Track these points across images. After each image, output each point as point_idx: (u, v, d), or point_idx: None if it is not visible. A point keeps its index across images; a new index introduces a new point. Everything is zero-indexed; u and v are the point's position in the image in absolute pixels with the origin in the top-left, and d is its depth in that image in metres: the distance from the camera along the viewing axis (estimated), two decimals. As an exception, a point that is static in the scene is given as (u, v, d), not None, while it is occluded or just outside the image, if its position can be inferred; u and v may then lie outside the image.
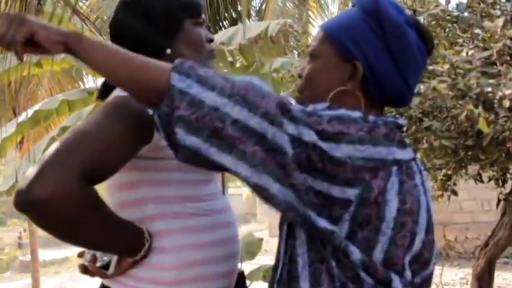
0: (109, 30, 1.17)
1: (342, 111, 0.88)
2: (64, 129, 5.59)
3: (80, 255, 1.09)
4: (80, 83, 7.69)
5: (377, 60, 0.93)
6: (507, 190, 2.84)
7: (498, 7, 2.14)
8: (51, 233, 0.92)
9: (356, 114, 0.89)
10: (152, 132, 0.99)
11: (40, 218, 0.89)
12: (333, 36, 0.96)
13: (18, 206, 0.88)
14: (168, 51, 1.10)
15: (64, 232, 0.93)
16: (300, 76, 1.01)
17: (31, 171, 0.88)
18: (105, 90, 1.13)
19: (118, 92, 1.03)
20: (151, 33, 1.10)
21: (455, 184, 2.73)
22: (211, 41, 1.17)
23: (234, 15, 7.86)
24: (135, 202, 1.06)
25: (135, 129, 0.97)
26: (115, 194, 1.08)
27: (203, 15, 1.16)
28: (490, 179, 2.82)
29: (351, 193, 0.83)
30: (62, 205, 0.87)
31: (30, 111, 5.33)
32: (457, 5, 2.07)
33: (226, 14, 7.76)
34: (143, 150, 1.01)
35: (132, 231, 1.01)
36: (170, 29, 1.10)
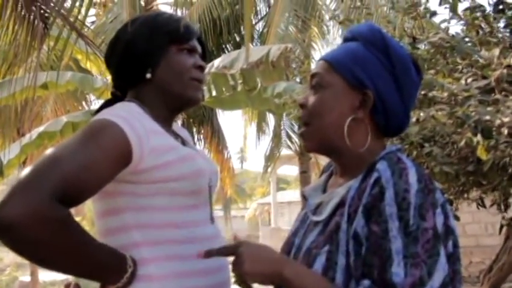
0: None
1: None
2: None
3: (67, 286, 1.07)
4: (85, 105, 7.75)
5: (386, 89, 0.96)
6: (510, 215, 2.84)
7: (495, 35, 2.17)
8: (23, 257, 0.90)
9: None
10: (131, 155, 0.97)
11: (10, 241, 0.86)
12: (342, 66, 0.98)
13: None
14: (148, 75, 1.12)
15: (36, 255, 0.90)
16: (302, 106, 1.02)
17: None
18: (100, 109, 1.15)
19: (101, 114, 1.03)
20: (133, 57, 1.13)
21: (457, 209, 2.73)
22: (201, 67, 1.17)
23: (238, 39, 7.96)
24: (119, 228, 1.03)
25: (112, 151, 0.96)
26: (100, 220, 1.06)
27: (192, 42, 1.17)
28: (492, 204, 2.82)
29: None
30: (32, 226, 0.84)
31: (34, 133, 5.38)
32: (453, 36, 2.10)
33: (229, 38, 7.87)
34: (123, 174, 0.99)
35: (112, 256, 0.98)
36: (151, 54, 1.12)
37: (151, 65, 1.12)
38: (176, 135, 1.17)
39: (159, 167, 1.02)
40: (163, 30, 1.14)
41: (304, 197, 1.09)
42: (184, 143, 1.17)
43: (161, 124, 1.10)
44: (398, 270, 0.82)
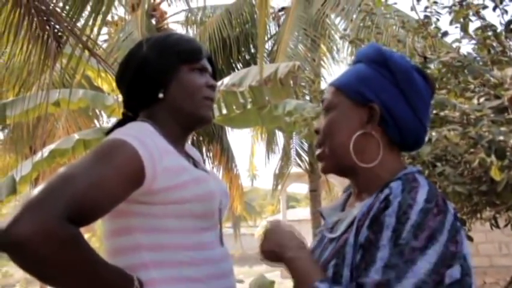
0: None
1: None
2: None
3: None
4: (96, 122, 7.82)
5: (391, 100, 0.97)
6: (524, 236, 2.78)
7: (507, 54, 2.16)
8: (31, 274, 0.89)
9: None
10: (144, 174, 0.97)
11: (20, 259, 0.86)
12: (345, 86, 1.01)
13: (1, 246, 0.85)
14: (160, 95, 1.13)
15: (44, 273, 0.90)
16: (317, 132, 1.04)
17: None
18: (112, 129, 1.15)
19: (114, 134, 1.04)
20: (145, 77, 1.14)
21: (470, 229, 2.68)
22: (212, 86, 1.18)
23: (247, 57, 8.02)
24: (129, 248, 1.03)
25: (125, 170, 0.95)
26: (110, 239, 1.06)
27: (202, 62, 1.18)
28: (506, 224, 2.77)
29: None
30: (43, 245, 0.84)
31: (46, 150, 5.42)
32: (465, 55, 2.10)
33: (239, 56, 7.93)
34: (136, 194, 0.99)
35: (120, 277, 0.97)
36: (163, 74, 1.13)
37: (163, 85, 1.13)
38: (188, 156, 1.17)
39: (172, 188, 1.02)
40: (174, 50, 1.15)
41: (321, 216, 1.10)
42: (195, 164, 1.17)
43: (173, 144, 1.10)
44: (373, 275, 0.84)
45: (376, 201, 0.91)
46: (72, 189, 0.88)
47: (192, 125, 1.18)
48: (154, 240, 1.02)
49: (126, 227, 1.03)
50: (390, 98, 0.97)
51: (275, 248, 0.98)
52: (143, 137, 1.01)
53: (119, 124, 1.16)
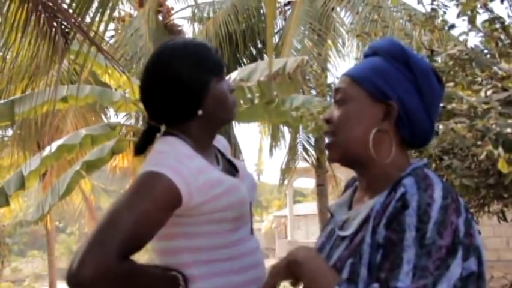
0: (139, 93, 1.23)
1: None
2: (87, 164, 5.71)
3: None
4: (104, 118, 7.86)
5: (410, 100, 0.97)
6: (532, 229, 2.78)
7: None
8: None
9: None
10: (181, 201, 1.08)
11: None
12: (364, 79, 0.99)
13: (70, 285, 1.00)
14: (200, 112, 1.16)
15: None
16: (327, 121, 1.03)
17: (78, 250, 1.02)
18: (143, 144, 1.21)
19: (147, 165, 1.10)
20: (182, 97, 1.16)
21: (477, 223, 2.68)
22: (233, 91, 1.24)
23: (254, 52, 8.02)
24: (172, 251, 1.15)
25: (164, 203, 1.06)
26: (155, 243, 1.17)
27: (224, 70, 1.22)
28: (513, 218, 2.77)
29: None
30: (107, 282, 1.00)
31: (54, 145, 5.46)
32: (472, 48, 2.09)
33: (245, 51, 7.92)
34: (175, 212, 1.10)
35: (167, 281, 1.11)
36: (200, 92, 1.16)
37: (201, 103, 1.16)
38: (216, 154, 1.25)
39: (207, 201, 1.11)
40: (208, 67, 1.17)
41: (330, 213, 1.10)
42: (223, 156, 1.26)
43: (204, 151, 1.17)
44: (404, 279, 0.83)
45: (390, 199, 0.90)
46: (121, 230, 1.02)
47: (220, 128, 1.26)
48: (192, 244, 1.13)
49: (169, 233, 1.13)
50: (409, 98, 0.96)
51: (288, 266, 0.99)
52: (177, 165, 1.09)
53: (147, 135, 1.22)
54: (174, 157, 1.12)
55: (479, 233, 2.03)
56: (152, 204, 1.05)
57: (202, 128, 1.18)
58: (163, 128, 1.21)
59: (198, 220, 1.12)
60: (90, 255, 0.99)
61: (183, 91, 1.15)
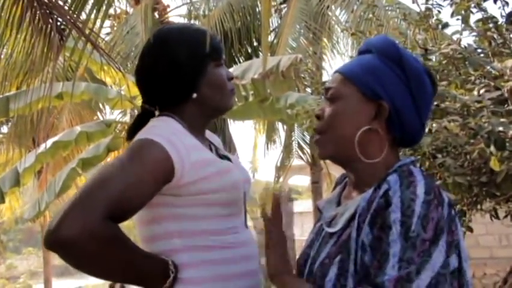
0: (134, 76, 1.22)
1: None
2: (83, 161, 5.70)
3: (112, 286, 1.13)
4: (99, 115, 7.83)
5: (401, 101, 0.98)
6: (524, 226, 2.80)
7: (508, 46, 2.17)
8: (80, 270, 0.98)
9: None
10: (173, 172, 1.04)
11: (68, 256, 0.95)
12: (357, 77, 0.99)
13: (47, 245, 0.94)
14: (194, 95, 1.16)
15: (92, 269, 1.00)
16: (318, 117, 1.03)
17: (60, 210, 0.95)
18: (133, 131, 1.18)
19: (142, 134, 1.08)
20: (177, 79, 1.15)
21: (470, 220, 2.70)
22: (232, 79, 1.22)
23: (249, 50, 8.02)
24: (161, 236, 1.10)
25: (155, 170, 1.02)
26: (143, 228, 1.13)
27: (223, 56, 1.21)
28: (505, 215, 2.79)
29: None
30: (89, 244, 0.93)
31: (49, 142, 5.45)
32: (466, 47, 2.11)
33: (241, 49, 7.92)
34: (166, 188, 1.06)
35: (156, 263, 1.06)
36: (195, 75, 1.16)
37: (197, 86, 1.15)
38: (210, 144, 1.23)
39: (199, 180, 1.07)
40: (204, 49, 1.16)
41: (319, 210, 1.10)
42: (217, 150, 1.23)
43: (197, 135, 1.15)
44: (390, 272, 0.85)
45: (375, 196, 0.92)
46: (110, 190, 0.97)
47: (216, 115, 1.24)
48: (183, 228, 1.09)
49: (157, 216, 1.09)
50: (400, 98, 0.97)
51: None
52: (171, 136, 1.07)
53: (141, 119, 1.20)
54: (169, 130, 1.09)
55: (472, 230, 2.06)
56: (144, 170, 1.00)
57: (196, 112, 1.17)
58: (157, 113, 1.20)
59: (188, 201, 1.08)
60: (73, 214, 0.92)
61: (178, 73, 1.14)
